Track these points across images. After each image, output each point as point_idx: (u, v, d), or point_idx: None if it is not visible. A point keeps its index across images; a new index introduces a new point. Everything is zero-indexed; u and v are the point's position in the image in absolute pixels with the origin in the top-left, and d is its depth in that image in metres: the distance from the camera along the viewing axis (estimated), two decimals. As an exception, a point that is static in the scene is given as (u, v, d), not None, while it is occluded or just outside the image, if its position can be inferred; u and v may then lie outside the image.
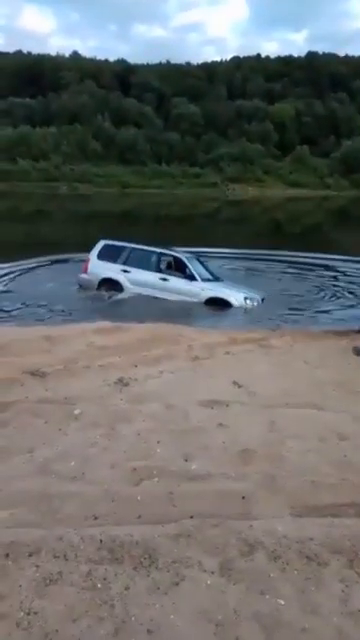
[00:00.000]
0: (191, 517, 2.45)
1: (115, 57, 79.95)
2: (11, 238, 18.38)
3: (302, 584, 2.07)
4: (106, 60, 77.62)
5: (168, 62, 78.62)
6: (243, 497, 2.65)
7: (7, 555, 2.06)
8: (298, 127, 69.12)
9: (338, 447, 3.29)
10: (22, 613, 1.78)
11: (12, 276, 11.67)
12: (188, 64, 79.28)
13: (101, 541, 2.18)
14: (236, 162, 59.94)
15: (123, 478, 2.75)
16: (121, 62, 77.53)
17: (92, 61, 75.23)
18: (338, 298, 10.50)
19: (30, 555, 2.06)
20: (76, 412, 3.50)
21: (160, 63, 78.59)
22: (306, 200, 46.62)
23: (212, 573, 2.09)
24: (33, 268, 12.73)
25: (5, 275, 11.62)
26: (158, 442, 3.19)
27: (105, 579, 1.99)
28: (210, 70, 77.16)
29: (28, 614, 1.78)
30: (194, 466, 2.94)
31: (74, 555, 2.09)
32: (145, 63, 77.68)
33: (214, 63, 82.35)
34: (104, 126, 58.91)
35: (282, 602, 1.96)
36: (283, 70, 79.16)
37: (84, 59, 75.06)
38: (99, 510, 2.46)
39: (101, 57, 78.48)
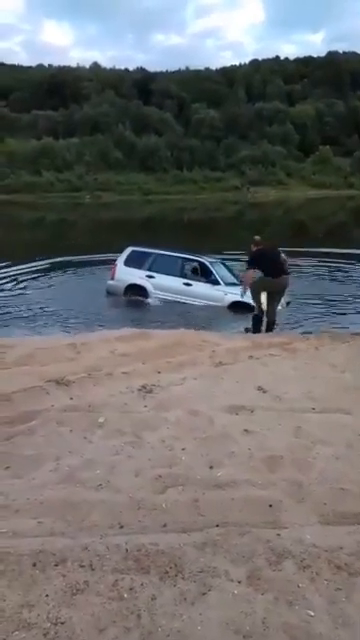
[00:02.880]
0: (217, 525, 2.42)
1: (134, 66, 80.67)
2: (35, 244, 18.79)
3: (332, 594, 2.02)
4: (126, 69, 78.44)
5: (187, 68, 78.95)
6: (270, 505, 2.60)
7: (34, 564, 2.07)
8: (320, 127, 68.38)
9: (367, 453, 3.21)
10: (49, 623, 1.79)
11: (35, 279, 11.93)
12: (207, 69, 79.46)
13: (127, 550, 2.17)
14: (257, 165, 59.64)
15: (148, 486, 2.74)
16: (140, 70, 78.23)
17: (112, 71, 76.14)
18: None
19: (57, 565, 2.07)
20: (100, 420, 3.51)
21: (179, 70, 78.97)
22: (330, 200, 46.02)
23: (239, 583, 2.05)
24: (56, 269, 12.98)
25: (25, 279, 11.87)
26: (183, 449, 3.18)
27: (131, 589, 1.98)
28: (229, 74, 77.10)
29: (55, 624, 1.78)
30: (220, 473, 2.91)
31: (100, 565, 2.08)
32: (164, 70, 78.30)
33: (233, 67, 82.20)
34: (125, 134, 59.50)
35: (312, 613, 1.91)
36: (303, 71, 78.53)
37: (104, 69, 75.98)
38: (124, 518, 2.45)
39: (120, 67, 79.25)
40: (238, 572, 2.10)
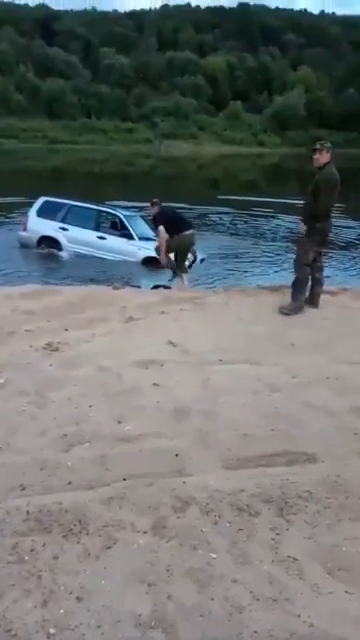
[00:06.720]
0: (124, 479, 2.41)
1: (35, 2, 73.62)
2: None
3: (234, 536, 2.09)
4: (26, 5, 71.73)
5: (94, 9, 74.16)
6: (176, 455, 2.63)
7: None
8: (231, 81, 67.92)
9: (270, 399, 3.34)
10: None
11: None
12: (115, 12, 75.22)
13: (28, 512, 2.09)
14: (169, 117, 58.31)
15: (52, 445, 2.65)
16: (42, 7, 72.02)
17: (10, 5, 69.21)
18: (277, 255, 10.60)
19: None
20: (0, 380, 3.32)
21: (85, 10, 73.90)
22: (241, 157, 46.49)
23: (144, 533, 2.06)
24: None
25: None
26: (90, 406, 3.10)
27: (32, 550, 1.91)
28: (139, 19, 73.58)
29: None
30: (127, 427, 2.89)
31: (-1, 529, 1.99)
32: (69, 9, 72.79)
33: (143, 11, 78.52)
34: (28, 77, 54.93)
35: (214, 555, 1.97)
36: (214, 21, 76.96)
37: (1, 3, 68.89)
38: (26, 480, 2.35)
39: (20, 1, 72.12)
40: (143, 523, 2.10)
